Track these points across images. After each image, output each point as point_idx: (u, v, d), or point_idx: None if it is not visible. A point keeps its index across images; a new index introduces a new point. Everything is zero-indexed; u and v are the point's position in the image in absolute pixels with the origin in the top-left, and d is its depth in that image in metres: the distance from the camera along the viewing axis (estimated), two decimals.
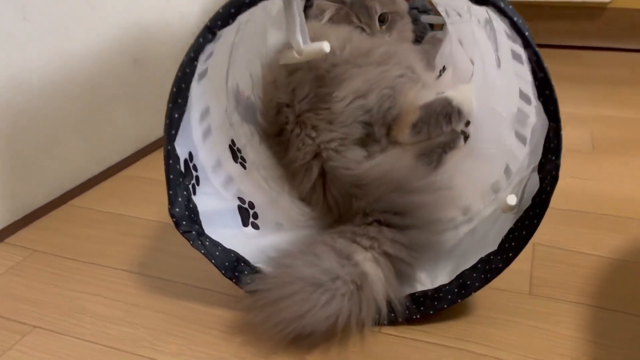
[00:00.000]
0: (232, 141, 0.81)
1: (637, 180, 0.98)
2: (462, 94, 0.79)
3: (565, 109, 1.34)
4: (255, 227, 0.77)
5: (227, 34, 0.74)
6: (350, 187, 0.73)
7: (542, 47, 1.86)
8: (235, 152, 0.80)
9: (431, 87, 0.86)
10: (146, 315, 0.69)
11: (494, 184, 0.75)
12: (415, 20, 1.52)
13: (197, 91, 0.68)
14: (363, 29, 0.94)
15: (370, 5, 0.94)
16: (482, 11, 0.71)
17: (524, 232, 0.61)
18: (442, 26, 1.37)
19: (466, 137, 0.86)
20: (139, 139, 1.14)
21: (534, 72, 0.57)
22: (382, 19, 0.94)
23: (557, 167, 0.57)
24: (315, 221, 0.81)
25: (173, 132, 0.60)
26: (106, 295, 0.73)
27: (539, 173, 0.60)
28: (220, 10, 0.57)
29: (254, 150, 0.85)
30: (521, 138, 0.71)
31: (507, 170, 0.73)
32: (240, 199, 0.77)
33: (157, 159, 1.14)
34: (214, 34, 0.58)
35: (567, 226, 0.84)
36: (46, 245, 0.84)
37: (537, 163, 0.61)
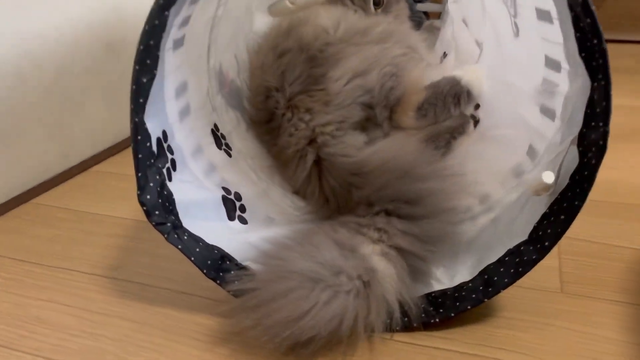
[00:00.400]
0: (215, 126, 0.72)
1: None
2: (471, 74, 0.70)
3: None
4: (243, 221, 0.67)
5: (206, 4, 0.65)
6: (349, 175, 0.64)
7: None
8: (219, 138, 0.71)
9: (436, 68, 0.77)
10: (114, 324, 0.58)
11: (515, 167, 0.66)
12: (410, 9, 1.43)
13: (172, 61, 0.58)
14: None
15: None
16: None
17: (562, 217, 0.52)
18: (438, 15, 1.29)
19: (476, 122, 0.77)
20: (113, 132, 1.04)
21: (576, 20, 0.47)
22: (377, 2, 0.83)
23: (605, 135, 0.48)
24: (311, 215, 0.71)
25: (141, 100, 0.51)
26: (67, 302, 0.62)
27: (578, 146, 0.51)
28: None
29: (240, 138, 0.76)
30: (548, 112, 0.61)
31: (531, 151, 0.64)
32: (225, 189, 0.67)
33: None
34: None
35: (592, 217, 0.75)
36: (3, 248, 0.74)
37: (575, 135, 0.51)
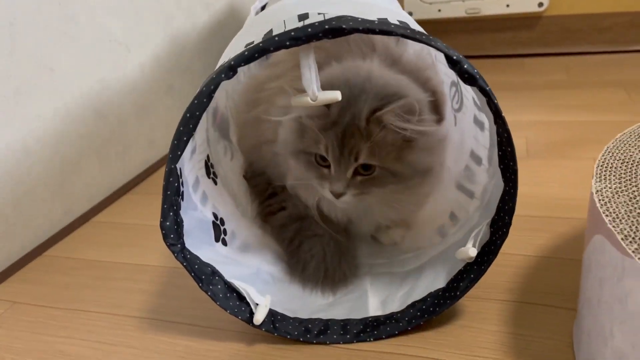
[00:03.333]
0: (208, 157, 0.85)
1: (564, 181, 1.08)
2: None
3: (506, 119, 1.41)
4: (224, 243, 0.81)
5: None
6: None
7: (489, 57, 1.99)
8: (208, 168, 0.84)
9: None
10: (120, 352, 0.76)
11: (440, 227, 0.84)
12: None
13: None
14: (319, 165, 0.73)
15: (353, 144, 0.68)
16: (451, 74, 0.77)
17: (472, 275, 0.71)
18: None
19: None
20: (106, 186, 1.21)
21: (500, 145, 0.66)
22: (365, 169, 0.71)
23: (508, 226, 0.68)
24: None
25: (179, 153, 0.64)
26: (82, 337, 0.80)
27: (490, 227, 0.70)
28: (246, 53, 0.60)
29: (224, 165, 0.92)
30: (466, 192, 0.80)
31: (452, 217, 0.83)
32: (214, 214, 0.81)
33: (124, 204, 1.22)
34: (234, 72, 0.62)
35: None
36: (25, 296, 0.91)
37: (490, 219, 0.70)
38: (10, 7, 0.96)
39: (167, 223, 0.68)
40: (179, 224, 0.69)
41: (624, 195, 0.58)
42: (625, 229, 0.52)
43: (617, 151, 0.67)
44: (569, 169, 1.12)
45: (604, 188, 0.59)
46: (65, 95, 1.09)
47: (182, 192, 0.71)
